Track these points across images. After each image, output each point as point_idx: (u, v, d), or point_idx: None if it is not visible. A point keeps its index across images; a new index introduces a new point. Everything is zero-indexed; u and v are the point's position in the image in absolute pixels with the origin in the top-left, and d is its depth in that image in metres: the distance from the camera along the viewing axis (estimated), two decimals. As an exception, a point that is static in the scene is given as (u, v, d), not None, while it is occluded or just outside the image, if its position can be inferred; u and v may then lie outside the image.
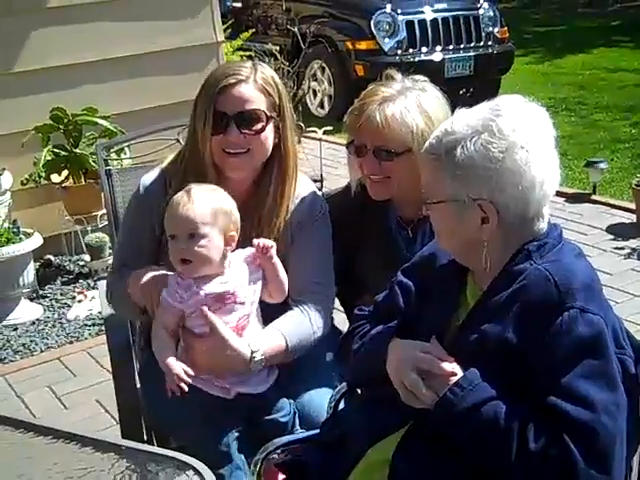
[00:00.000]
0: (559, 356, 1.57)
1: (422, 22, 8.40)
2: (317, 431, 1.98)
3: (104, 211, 4.12)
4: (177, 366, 2.05)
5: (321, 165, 5.91)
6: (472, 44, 8.61)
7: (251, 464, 1.98)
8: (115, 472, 1.52)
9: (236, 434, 2.09)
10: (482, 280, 1.76)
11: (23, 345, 4.15)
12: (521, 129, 1.65)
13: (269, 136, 2.20)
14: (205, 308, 2.06)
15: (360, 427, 1.81)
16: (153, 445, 2.37)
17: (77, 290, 4.69)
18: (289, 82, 6.87)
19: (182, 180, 2.20)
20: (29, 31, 4.82)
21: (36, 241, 4.45)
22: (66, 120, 4.71)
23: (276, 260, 2.15)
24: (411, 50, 8.34)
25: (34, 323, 4.38)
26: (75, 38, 4.93)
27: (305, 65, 8.18)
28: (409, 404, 1.70)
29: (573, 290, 1.61)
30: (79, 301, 4.55)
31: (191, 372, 2.05)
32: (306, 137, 6.70)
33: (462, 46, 8.55)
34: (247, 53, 6.93)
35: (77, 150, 4.75)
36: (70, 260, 5.05)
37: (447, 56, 8.40)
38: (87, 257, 4.86)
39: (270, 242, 2.13)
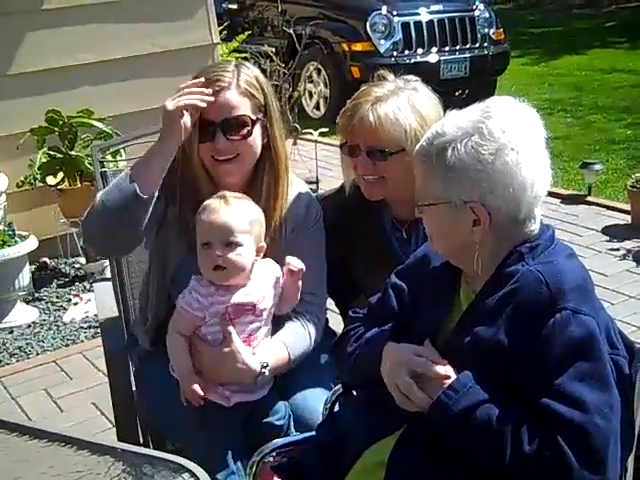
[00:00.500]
0: (552, 357, 1.57)
1: (418, 23, 8.41)
2: (313, 433, 1.99)
3: (100, 213, 4.14)
4: (194, 383, 2.05)
5: (317, 167, 5.91)
6: (468, 45, 8.63)
7: (246, 467, 1.98)
8: (111, 475, 1.51)
9: (232, 439, 2.09)
10: (475, 282, 1.76)
11: (19, 348, 4.15)
12: (511, 131, 1.65)
13: (257, 138, 2.20)
14: (228, 322, 2.05)
15: (356, 429, 1.81)
16: (149, 448, 2.37)
17: (73, 293, 4.68)
18: (285, 84, 6.87)
19: (181, 189, 2.20)
20: (25, 33, 4.82)
21: (32, 244, 4.44)
22: (62, 122, 4.71)
23: (300, 283, 2.15)
24: (407, 52, 8.35)
25: (30, 326, 4.37)
26: (70, 40, 4.93)
27: (301, 67, 8.17)
28: (403, 407, 1.70)
29: (565, 291, 1.61)
30: (75, 304, 4.55)
31: (200, 392, 2.06)
32: (302, 139, 6.70)
33: (458, 47, 8.56)
34: (243, 55, 6.92)
35: (73, 152, 4.75)
36: (66, 263, 5.04)
37: (443, 57, 8.41)
38: (83, 260, 4.85)
39: (300, 264, 2.12)
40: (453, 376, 1.66)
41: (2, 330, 4.32)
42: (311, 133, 6.10)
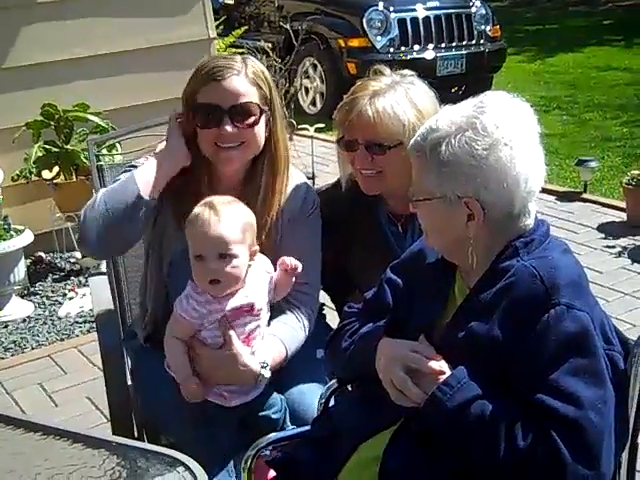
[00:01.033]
0: (546, 353, 1.57)
1: (414, 20, 8.41)
2: (308, 428, 1.99)
3: (95, 208, 4.14)
4: (192, 382, 2.06)
5: (313, 163, 5.90)
6: (464, 42, 8.63)
7: (242, 461, 1.99)
8: (106, 468, 1.52)
9: (227, 434, 2.09)
10: (470, 277, 1.76)
11: (14, 342, 4.14)
12: (505, 126, 1.65)
13: (262, 129, 2.20)
14: (227, 325, 2.04)
15: (350, 424, 1.82)
16: (144, 442, 2.37)
17: (68, 287, 4.68)
18: (281, 79, 6.87)
19: (178, 178, 2.20)
20: (20, 27, 4.80)
21: (27, 238, 4.43)
22: (57, 116, 4.70)
23: (293, 280, 2.15)
24: (403, 48, 8.35)
25: (25, 320, 4.36)
26: (66, 34, 4.92)
27: (297, 62, 8.18)
28: (398, 403, 1.70)
29: (560, 286, 1.61)
30: (70, 298, 4.54)
31: (201, 393, 2.06)
32: (298, 135, 6.69)
33: (454, 44, 8.57)
34: (239, 50, 6.90)
35: (68, 146, 4.74)
36: (61, 257, 5.03)
37: (439, 54, 8.41)
38: (78, 254, 4.85)
39: (297, 263, 2.12)
40: (448, 372, 1.66)
41: (-3, 324, 4.32)
42: (307, 129, 6.09)
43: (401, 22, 8.37)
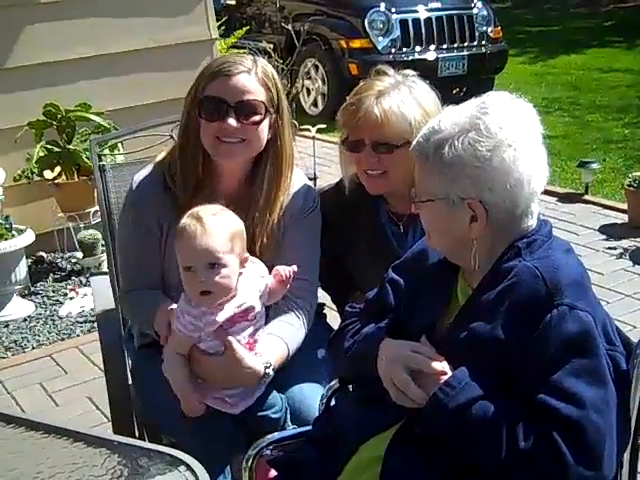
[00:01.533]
0: (548, 353, 1.57)
1: (416, 21, 8.41)
2: (309, 427, 1.99)
3: (97, 208, 4.14)
4: (192, 399, 2.06)
5: (314, 163, 5.90)
6: (466, 43, 8.63)
7: (242, 461, 1.98)
8: (107, 467, 1.51)
9: (228, 436, 2.09)
10: (472, 278, 1.76)
11: (14, 342, 4.14)
12: (508, 127, 1.65)
13: (265, 129, 2.20)
14: (225, 334, 2.04)
15: (352, 424, 1.81)
16: (145, 441, 2.37)
17: (69, 287, 4.68)
18: (283, 80, 6.86)
19: (181, 175, 2.20)
20: (23, 26, 4.81)
21: (28, 238, 4.44)
22: (59, 116, 4.70)
23: (287, 287, 2.15)
24: (405, 49, 8.35)
25: (26, 320, 4.36)
26: (69, 33, 4.92)
27: (299, 63, 8.18)
28: (400, 403, 1.70)
29: (562, 287, 1.61)
30: (71, 298, 4.54)
31: (202, 409, 2.06)
32: (299, 135, 6.68)
33: (456, 45, 8.57)
34: (241, 51, 6.91)
35: (70, 146, 4.74)
36: (62, 257, 5.04)
37: (441, 55, 8.42)
38: (80, 254, 4.84)
39: (291, 271, 2.12)
40: (449, 372, 1.66)
41: (-2, 324, 4.32)
42: (309, 130, 6.09)
43: (403, 23, 8.37)
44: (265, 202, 2.23)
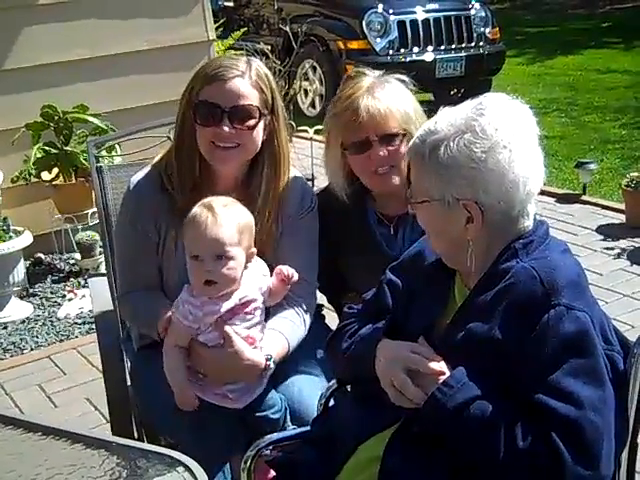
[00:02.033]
0: (546, 353, 1.57)
1: (414, 22, 8.42)
2: (308, 428, 1.99)
3: (95, 209, 4.14)
4: (186, 392, 2.06)
5: (312, 164, 5.90)
6: (463, 44, 8.64)
7: (241, 461, 1.98)
8: (105, 468, 1.51)
9: (228, 435, 2.09)
10: (469, 278, 1.76)
11: (13, 343, 4.14)
12: (504, 128, 1.65)
13: (259, 133, 2.21)
14: (224, 326, 2.05)
15: (350, 424, 1.82)
16: (143, 443, 2.37)
17: (67, 289, 4.68)
18: (280, 81, 6.87)
19: (178, 176, 2.20)
20: (21, 28, 4.81)
21: (26, 239, 4.44)
22: (57, 118, 4.70)
23: (288, 287, 2.16)
24: (402, 50, 8.36)
25: (24, 321, 4.36)
26: (66, 35, 4.92)
27: (297, 64, 8.19)
28: (398, 404, 1.70)
29: (559, 287, 1.61)
30: (69, 299, 4.54)
31: (196, 402, 2.06)
32: (297, 136, 6.69)
33: (453, 46, 8.57)
34: (239, 52, 6.90)
35: (68, 148, 4.74)
36: (60, 258, 5.03)
37: (438, 56, 8.42)
38: (78, 255, 4.84)
39: (293, 272, 2.13)
40: (447, 372, 1.66)
41: (-4, 325, 4.31)
42: (306, 131, 6.09)
43: (400, 24, 8.38)
44: (263, 202, 2.24)
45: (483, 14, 8.89)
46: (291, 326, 2.23)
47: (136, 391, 2.37)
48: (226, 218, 2.01)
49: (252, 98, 2.17)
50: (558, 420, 1.54)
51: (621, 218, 5.39)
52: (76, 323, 4.32)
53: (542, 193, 1.75)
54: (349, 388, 2.07)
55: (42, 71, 4.85)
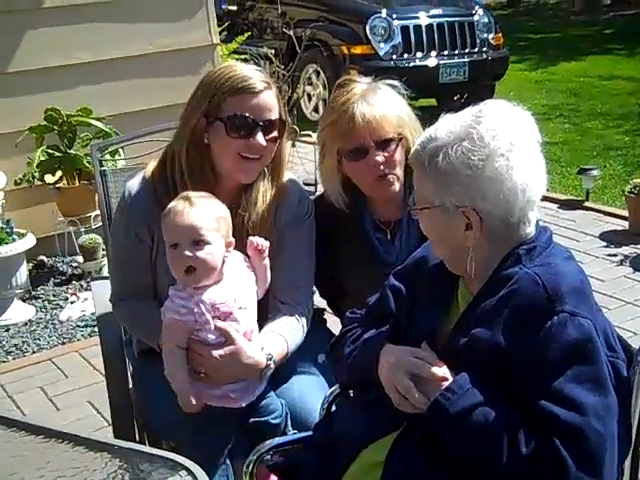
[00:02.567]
0: (549, 360, 1.57)
1: (417, 27, 8.43)
2: (310, 433, 1.99)
3: (98, 212, 4.15)
4: (190, 394, 2.05)
5: (315, 169, 5.91)
6: (467, 50, 8.64)
7: (243, 466, 1.98)
8: (108, 471, 1.51)
9: (228, 439, 2.09)
10: (473, 284, 1.76)
11: (15, 346, 4.14)
12: (502, 136, 1.65)
13: (278, 143, 2.24)
14: (218, 322, 2.05)
15: (352, 430, 1.81)
16: (146, 446, 2.36)
17: (70, 291, 4.68)
18: (284, 86, 6.87)
19: (192, 187, 2.20)
20: (25, 31, 4.82)
21: (29, 242, 4.44)
22: (60, 121, 4.71)
23: (266, 261, 2.16)
24: (406, 55, 8.37)
25: (26, 324, 4.37)
26: (70, 39, 4.93)
27: (300, 69, 8.18)
28: (401, 409, 1.70)
29: (562, 294, 1.61)
30: (72, 302, 4.55)
31: (198, 405, 2.06)
32: (300, 141, 6.70)
33: (457, 52, 8.58)
34: (242, 56, 6.93)
35: (71, 151, 4.75)
36: (63, 261, 5.04)
37: (442, 61, 8.43)
38: (80, 258, 4.85)
39: (265, 242, 2.14)
40: (450, 378, 1.66)
41: (-2, 328, 4.31)
42: (310, 135, 6.10)
43: (404, 29, 8.38)
44: (261, 207, 2.24)
45: (486, 20, 8.90)
46: (290, 330, 2.23)
47: (138, 394, 2.37)
48: (203, 205, 2.04)
49: (278, 110, 2.20)
50: (561, 427, 1.53)
51: (624, 225, 5.38)
52: (78, 326, 4.32)
53: (544, 199, 1.75)
54: (352, 393, 2.07)
55: (46, 74, 4.86)
